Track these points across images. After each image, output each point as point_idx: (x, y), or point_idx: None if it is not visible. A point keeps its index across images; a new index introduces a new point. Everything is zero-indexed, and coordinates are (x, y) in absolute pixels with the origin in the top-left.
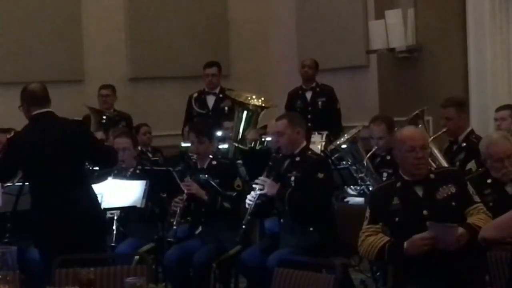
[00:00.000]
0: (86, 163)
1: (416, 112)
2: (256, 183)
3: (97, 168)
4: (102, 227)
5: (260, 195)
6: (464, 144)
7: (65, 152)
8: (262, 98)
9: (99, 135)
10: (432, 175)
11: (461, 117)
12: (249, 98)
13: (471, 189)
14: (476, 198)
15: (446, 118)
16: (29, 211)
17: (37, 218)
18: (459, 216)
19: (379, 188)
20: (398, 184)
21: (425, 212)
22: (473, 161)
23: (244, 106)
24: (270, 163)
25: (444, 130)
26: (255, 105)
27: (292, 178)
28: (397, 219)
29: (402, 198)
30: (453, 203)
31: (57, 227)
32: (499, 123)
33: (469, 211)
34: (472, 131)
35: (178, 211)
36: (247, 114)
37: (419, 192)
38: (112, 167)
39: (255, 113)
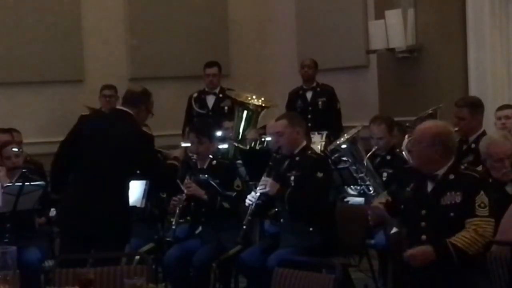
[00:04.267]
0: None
1: (430, 111)
2: (260, 184)
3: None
4: (122, 231)
5: (260, 195)
6: (474, 146)
7: (111, 151)
8: (262, 98)
9: (177, 152)
10: (452, 176)
11: (474, 118)
12: (249, 98)
13: (479, 200)
14: (480, 211)
15: (458, 117)
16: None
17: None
18: (456, 227)
19: (407, 168)
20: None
21: (423, 212)
22: (480, 166)
23: (244, 106)
24: (270, 163)
25: (455, 129)
26: (255, 105)
27: (292, 178)
28: (402, 206)
29: (415, 187)
30: (452, 214)
31: (78, 219)
32: (503, 121)
33: (466, 223)
34: (483, 133)
35: (177, 211)
36: (247, 114)
37: (429, 188)
38: (164, 187)
39: (255, 113)
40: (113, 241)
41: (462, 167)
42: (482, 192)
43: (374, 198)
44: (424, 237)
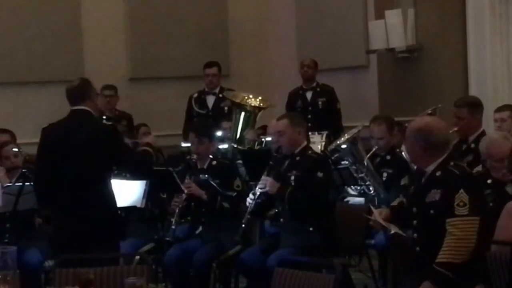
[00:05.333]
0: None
1: (429, 111)
2: (260, 183)
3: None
4: (115, 230)
5: (260, 194)
6: (473, 145)
7: (86, 151)
8: (260, 98)
9: (150, 138)
10: (438, 173)
11: (473, 118)
12: (246, 98)
13: (458, 199)
14: (459, 210)
15: (458, 117)
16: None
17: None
18: (437, 226)
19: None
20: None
21: (414, 209)
22: (480, 166)
23: (241, 107)
24: (270, 162)
25: (455, 129)
26: (253, 106)
27: (292, 178)
28: (406, 204)
29: (416, 186)
30: (432, 211)
31: (68, 225)
32: (499, 125)
33: (446, 224)
34: (483, 133)
35: (177, 211)
36: (244, 115)
37: (420, 184)
38: (140, 174)
39: (252, 114)
40: (107, 239)
41: (452, 163)
42: (461, 190)
43: (374, 198)
44: (415, 235)
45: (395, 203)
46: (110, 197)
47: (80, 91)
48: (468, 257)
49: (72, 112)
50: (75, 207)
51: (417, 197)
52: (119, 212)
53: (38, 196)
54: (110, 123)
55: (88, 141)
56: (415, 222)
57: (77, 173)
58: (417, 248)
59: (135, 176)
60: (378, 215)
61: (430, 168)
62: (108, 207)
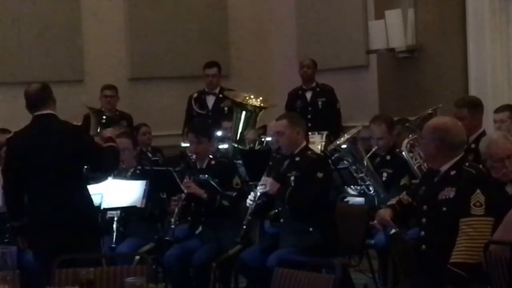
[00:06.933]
0: (85, 167)
1: (430, 111)
2: (260, 184)
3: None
4: (95, 231)
5: (260, 195)
6: (473, 146)
7: (57, 155)
8: (261, 98)
9: (109, 131)
10: (453, 172)
11: (474, 118)
12: (247, 98)
13: (475, 199)
14: (475, 210)
15: (458, 117)
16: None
17: (28, 222)
18: (448, 223)
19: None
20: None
21: (424, 207)
22: (480, 166)
23: (242, 107)
24: (270, 163)
25: None
26: (254, 106)
27: (292, 178)
28: (415, 203)
29: (428, 185)
30: (444, 208)
31: (47, 230)
32: (498, 125)
33: (460, 223)
34: (483, 133)
35: (176, 210)
36: (245, 114)
37: (433, 183)
38: (112, 171)
39: (253, 114)
40: (87, 238)
41: (467, 163)
42: (478, 191)
43: (374, 198)
44: (422, 233)
45: (393, 201)
46: (85, 197)
47: (42, 95)
48: (482, 257)
49: (36, 118)
50: (51, 211)
51: (429, 195)
52: (95, 210)
53: (10, 207)
54: (78, 124)
55: (59, 145)
56: (424, 220)
57: (50, 178)
58: (423, 246)
59: (104, 173)
60: (387, 212)
61: (444, 168)
62: (84, 207)
